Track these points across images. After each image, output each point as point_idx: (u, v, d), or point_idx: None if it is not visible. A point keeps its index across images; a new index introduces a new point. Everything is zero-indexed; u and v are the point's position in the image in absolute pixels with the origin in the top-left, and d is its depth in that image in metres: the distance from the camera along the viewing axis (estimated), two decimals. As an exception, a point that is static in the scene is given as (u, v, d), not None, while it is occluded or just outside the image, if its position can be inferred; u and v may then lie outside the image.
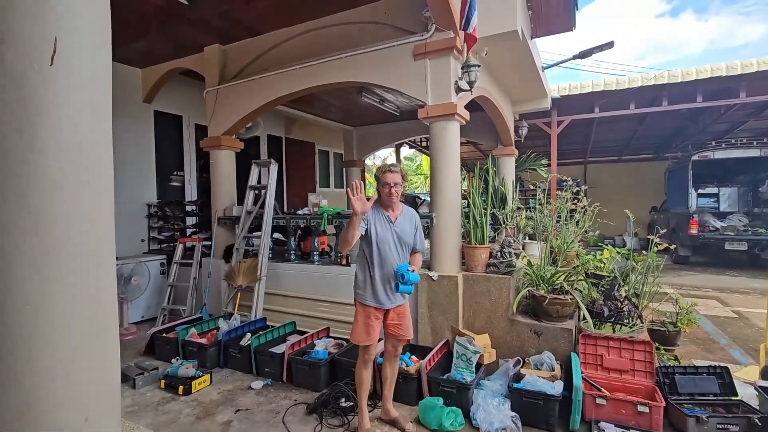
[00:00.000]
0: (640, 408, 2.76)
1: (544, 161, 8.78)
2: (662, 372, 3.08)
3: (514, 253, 3.87)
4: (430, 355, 3.30)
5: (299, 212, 5.04)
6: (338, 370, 3.51)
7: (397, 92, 4.36)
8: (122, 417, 2.99)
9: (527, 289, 3.57)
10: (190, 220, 6.64)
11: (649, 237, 4.15)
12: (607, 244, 5.00)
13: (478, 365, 3.31)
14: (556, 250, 4.37)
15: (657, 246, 3.95)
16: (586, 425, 2.83)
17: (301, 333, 4.28)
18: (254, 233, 4.97)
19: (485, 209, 4.01)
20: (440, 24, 3.82)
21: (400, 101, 6.58)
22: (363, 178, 11.71)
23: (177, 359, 3.78)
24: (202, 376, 3.52)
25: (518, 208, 5.68)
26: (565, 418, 2.81)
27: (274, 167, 5.00)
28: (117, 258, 5.12)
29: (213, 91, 5.37)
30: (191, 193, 7.05)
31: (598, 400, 2.86)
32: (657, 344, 3.56)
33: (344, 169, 9.22)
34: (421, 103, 4.07)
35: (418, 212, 4.12)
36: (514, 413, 2.79)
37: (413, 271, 2.58)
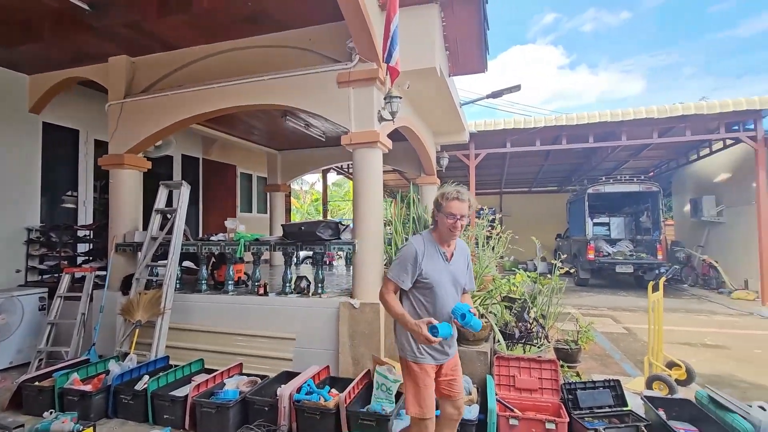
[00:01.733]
0: (548, 425, 2.89)
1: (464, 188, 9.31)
2: (566, 389, 3.28)
3: (434, 279, 3.95)
4: (349, 388, 3.16)
5: (213, 238, 4.69)
6: (250, 411, 3.22)
7: (322, 117, 4.35)
8: None
9: (446, 314, 3.64)
10: (83, 247, 5.85)
11: (553, 261, 4.53)
12: (520, 269, 5.37)
13: (399, 394, 3.25)
14: (474, 275, 4.58)
15: (560, 270, 4.31)
16: (500, 448, 2.88)
17: (210, 371, 3.88)
18: (160, 261, 4.50)
19: (407, 236, 4.07)
20: (364, 55, 3.93)
21: (325, 126, 6.58)
22: (288, 204, 11.41)
23: (51, 412, 3.19)
24: (83, 430, 2.99)
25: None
26: (481, 442, 2.84)
27: (185, 189, 4.63)
28: (-20, 292, 4.26)
29: (117, 104, 4.89)
30: (86, 216, 6.25)
31: (512, 421, 2.95)
32: (561, 362, 3.81)
33: (268, 193, 8.88)
34: (345, 130, 4.09)
35: (339, 238, 4.08)
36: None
37: (473, 313, 2.13)
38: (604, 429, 2.88)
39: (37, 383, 3.59)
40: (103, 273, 4.86)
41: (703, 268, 10.27)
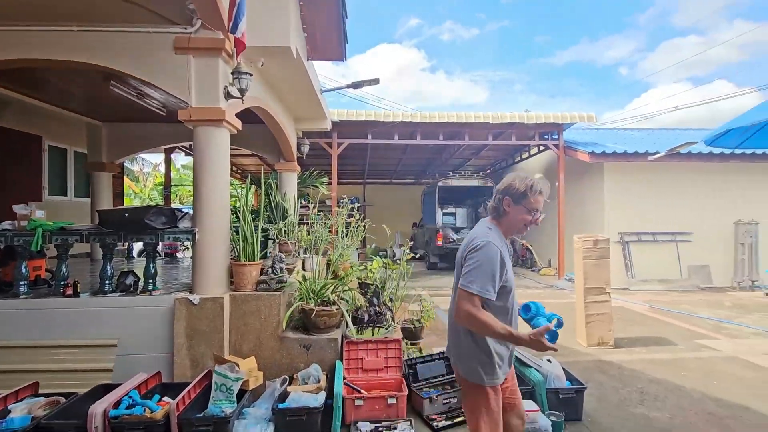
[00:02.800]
0: (389, 401, 3.08)
1: (326, 179, 9.33)
2: (407, 364, 3.55)
3: (287, 269, 3.81)
4: (183, 393, 2.82)
5: (-5, 227, 3.63)
6: (46, 440, 2.60)
7: (156, 88, 3.72)
8: None
9: (299, 303, 3.56)
10: None
11: (402, 246, 4.85)
12: (380, 256, 5.59)
13: (243, 392, 3.04)
14: (332, 262, 4.59)
15: (407, 255, 4.63)
16: (346, 428, 2.95)
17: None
18: None
19: (256, 225, 3.82)
20: (206, 20, 3.48)
21: (165, 98, 5.71)
22: (121, 187, 9.74)
23: None
24: None
25: (300, 224, 5.75)
26: (327, 427, 2.86)
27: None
28: None
29: None
30: None
31: (357, 402, 3.05)
32: (406, 340, 4.12)
33: (90, 173, 7.31)
34: (184, 104, 3.60)
35: (175, 227, 3.60)
36: (276, 437, 2.66)
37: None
38: (437, 396, 3.20)
39: None
40: None
41: (522, 251, 12.45)
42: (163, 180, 20.66)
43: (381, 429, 2.91)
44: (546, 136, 10.17)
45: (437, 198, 11.74)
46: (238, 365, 2.99)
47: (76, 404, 2.88)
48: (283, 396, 3.00)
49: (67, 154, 8.04)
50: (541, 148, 10.95)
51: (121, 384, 3.03)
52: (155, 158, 21.76)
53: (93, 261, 6.63)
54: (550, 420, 2.85)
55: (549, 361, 3.27)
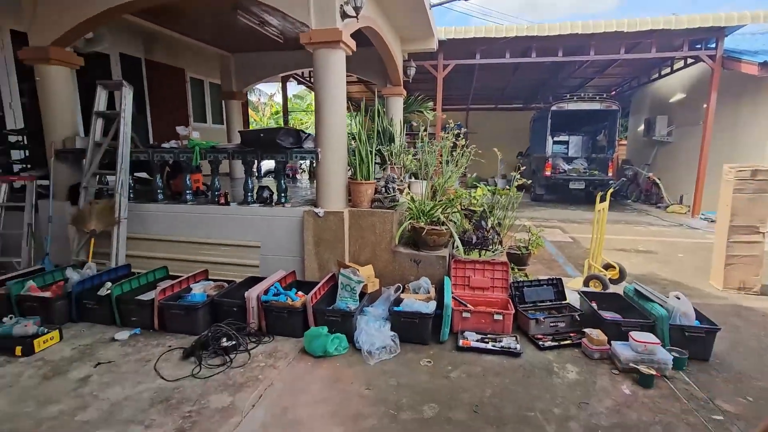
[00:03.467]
0: (496, 317, 3.23)
1: (431, 104, 9.10)
2: (514, 286, 3.61)
3: (398, 189, 4.00)
4: (315, 289, 3.32)
5: (165, 145, 4.39)
6: (219, 312, 3.34)
7: (278, 13, 3.90)
8: None
9: (409, 222, 3.77)
10: (18, 155, 5.34)
11: (513, 174, 4.68)
12: (482, 184, 5.49)
13: (362, 294, 3.46)
14: (437, 187, 4.67)
15: (517, 181, 4.48)
16: (453, 336, 3.21)
17: (176, 278, 3.92)
18: (108, 171, 4.22)
19: (371, 146, 3.99)
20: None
21: (283, 25, 5.95)
22: (246, 114, 10.76)
23: (10, 317, 3.15)
24: (49, 333, 3.01)
25: (405, 148, 5.84)
26: (437, 332, 3.15)
27: (128, 90, 4.19)
28: None
29: (30, -17, 4.13)
30: (15, 120, 5.60)
31: (464, 314, 3.26)
32: (512, 265, 4.15)
33: (223, 102, 8.24)
34: (305, 28, 3.73)
35: (301, 147, 3.94)
36: (393, 333, 3.02)
37: None
38: (543, 318, 3.26)
39: (-10, 292, 3.49)
40: (45, 182, 4.52)
41: (647, 185, 11.04)
42: (280, 109, 22.15)
43: (487, 339, 3.11)
44: (698, 45, 8.33)
45: (549, 124, 10.73)
46: (358, 270, 3.38)
47: (234, 289, 3.60)
48: (397, 301, 3.34)
49: (204, 85, 9.07)
50: (689, 60, 9.06)
51: (266, 278, 3.66)
52: (269, 89, 23.23)
53: (232, 179, 7.69)
54: (672, 355, 2.73)
55: (678, 297, 3.04)
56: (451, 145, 5.46)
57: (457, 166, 5.31)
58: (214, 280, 3.82)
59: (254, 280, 3.78)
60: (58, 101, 4.40)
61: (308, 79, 11.20)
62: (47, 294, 3.42)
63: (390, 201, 3.85)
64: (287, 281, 3.72)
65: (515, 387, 2.59)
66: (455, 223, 4.06)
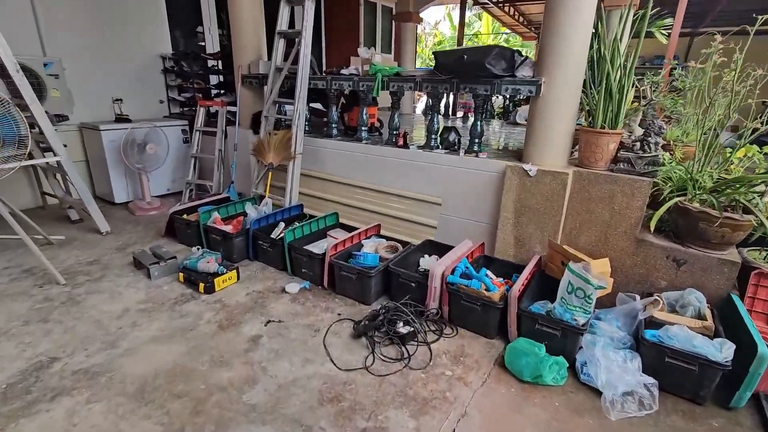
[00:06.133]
0: None
1: (669, 19, 6.59)
2: None
3: (661, 146, 2.61)
4: (521, 280, 2.40)
5: (344, 71, 3.80)
6: (392, 283, 2.75)
7: None
8: (135, 314, 2.47)
9: (677, 199, 2.42)
10: (215, 79, 5.56)
11: None
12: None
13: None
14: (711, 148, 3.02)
15: None
16: (754, 400, 1.97)
17: (345, 228, 3.48)
18: (286, 99, 3.87)
19: (629, 75, 2.62)
20: None
21: None
22: (416, 40, 9.76)
23: (198, 248, 3.13)
24: (227, 272, 2.87)
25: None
26: (723, 389, 1.95)
27: (311, 5, 3.62)
28: (129, 120, 4.20)
29: None
30: (213, 45, 5.80)
31: (776, 370, 1.94)
32: None
33: (394, 26, 7.39)
34: None
35: (513, 76, 2.83)
36: (650, 379, 1.95)
37: None
38: None
39: (185, 216, 3.60)
40: (234, 108, 4.50)
41: None
42: (442, 39, 20.56)
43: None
44: None
45: None
46: (590, 265, 2.29)
47: (410, 255, 2.94)
48: (650, 322, 2.19)
49: (376, 9, 8.34)
50: None
51: (448, 247, 2.90)
52: (432, 16, 21.56)
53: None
54: None
55: None
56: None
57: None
58: (387, 238, 3.24)
59: (431, 246, 3.07)
60: (246, 19, 4.13)
61: (491, -4, 9.37)
62: (228, 228, 3.33)
63: (648, 163, 2.52)
64: (473, 255, 2.88)
65: None
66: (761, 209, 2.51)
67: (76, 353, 2.16)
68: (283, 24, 3.83)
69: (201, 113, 4.61)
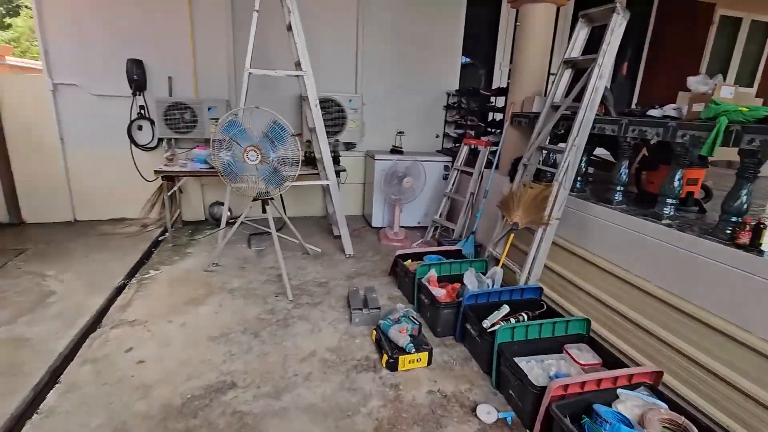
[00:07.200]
0: None
1: None
2: None
3: None
4: None
5: (651, 112, 2.55)
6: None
7: None
8: (317, 363, 2.30)
9: None
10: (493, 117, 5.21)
11: None
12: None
13: None
14: None
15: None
16: None
17: (596, 347, 2.28)
18: (553, 146, 2.97)
19: None
20: None
21: None
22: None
23: (403, 307, 2.74)
24: (416, 353, 2.33)
25: None
26: None
27: (620, 20, 2.59)
28: (401, 152, 4.35)
29: None
30: (502, 80, 5.46)
31: None
32: None
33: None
34: None
35: None
36: None
37: None
38: None
39: (409, 261, 3.32)
40: (497, 149, 3.96)
41: None
42: None
43: None
44: None
45: None
46: None
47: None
48: None
49: (739, 26, 5.92)
50: None
51: None
52: None
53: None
54: None
55: None
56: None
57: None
58: (667, 400, 1.85)
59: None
60: (532, 48, 3.50)
61: None
62: (441, 293, 2.79)
63: None
64: None
65: None
66: None
67: (249, 388, 2.14)
68: (575, 49, 2.95)
69: (464, 151, 4.33)
